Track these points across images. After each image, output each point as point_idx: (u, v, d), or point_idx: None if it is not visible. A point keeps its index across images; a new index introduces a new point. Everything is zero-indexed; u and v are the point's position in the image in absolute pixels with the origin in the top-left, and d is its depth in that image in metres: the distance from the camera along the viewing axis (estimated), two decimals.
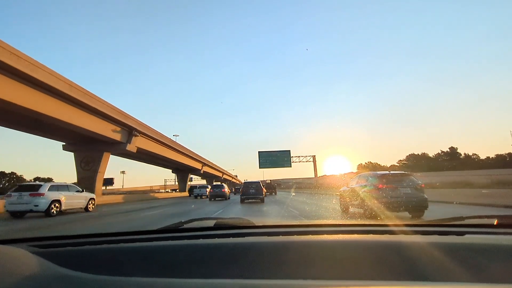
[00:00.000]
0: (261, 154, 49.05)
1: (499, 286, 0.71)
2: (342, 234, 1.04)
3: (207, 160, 58.45)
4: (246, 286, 0.73)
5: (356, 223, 1.25)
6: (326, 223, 1.24)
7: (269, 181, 41.48)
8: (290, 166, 49.00)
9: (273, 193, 33.11)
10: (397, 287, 0.72)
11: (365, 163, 65.48)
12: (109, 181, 78.04)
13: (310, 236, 1.02)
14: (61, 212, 11.69)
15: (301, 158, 50.00)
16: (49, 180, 29.85)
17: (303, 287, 0.72)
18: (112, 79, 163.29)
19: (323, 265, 0.83)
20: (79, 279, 0.74)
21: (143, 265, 0.87)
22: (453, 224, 1.15)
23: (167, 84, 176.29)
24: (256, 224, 1.23)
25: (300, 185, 60.87)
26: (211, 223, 1.26)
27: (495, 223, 1.10)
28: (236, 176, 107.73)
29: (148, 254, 0.92)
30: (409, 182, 7.13)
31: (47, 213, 10.83)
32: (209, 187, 27.15)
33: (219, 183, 33.92)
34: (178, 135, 64.44)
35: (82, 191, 13.51)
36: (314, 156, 50.06)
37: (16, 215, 10.94)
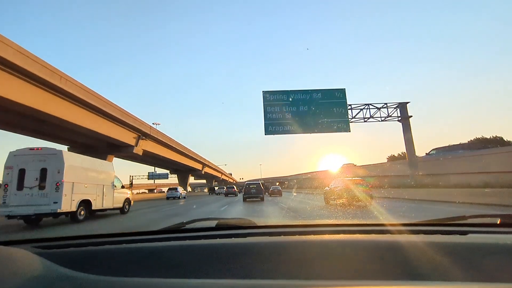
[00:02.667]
0: (267, 97, 18.92)
1: (502, 285, 0.72)
2: (343, 234, 1.04)
3: (158, 132, 29.51)
4: (248, 286, 0.74)
5: (357, 223, 1.23)
6: (327, 223, 1.23)
7: (263, 182, 37.43)
8: (348, 130, 18.73)
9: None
10: (400, 287, 0.72)
11: (398, 154, 44.66)
12: None
13: (312, 236, 1.03)
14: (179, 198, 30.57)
15: (371, 110, 19.86)
16: None
17: (305, 287, 0.73)
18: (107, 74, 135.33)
19: (324, 265, 0.82)
20: (82, 279, 0.75)
21: (145, 266, 0.87)
22: (455, 224, 1.14)
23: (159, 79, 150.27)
24: (258, 224, 1.23)
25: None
26: (212, 223, 1.25)
27: (498, 222, 1.09)
28: (231, 174, 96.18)
29: (150, 255, 0.92)
30: (363, 184, 12.85)
31: (179, 198, 31.43)
32: (225, 188, 41.27)
33: (204, 181, 57.50)
34: (159, 123, 47.78)
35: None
36: (406, 104, 19.86)
37: (169, 199, 30.86)
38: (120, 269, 0.85)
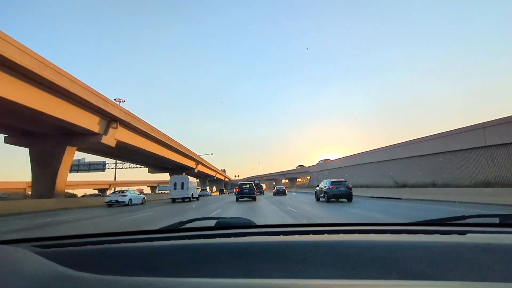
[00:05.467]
0: None
1: (501, 285, 0.72)
2: (342, 234, 1.05)
3: (135, 117, 23.17)
4: (247, 285, 0.74)
5: (357, 223, 1.24)
6: (327, 223, 1.24)
7: (258, 181, 42.67)
8: None
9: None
10: (399, 287, 0.72)
11: None
12: None
13: (311, 236, 1.04)
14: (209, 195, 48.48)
15: None
16: None
17: (304, 286, 0.73)
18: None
19: (324, 265, 0.83)
20: (81, 278, 0.75)
21: (144, 265, 0.88)
22: (455, 223, 1.15)
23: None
24: (257, 224, 1.24)
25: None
26: (211, 222, 1.25)
27: (497, 222, 1.12)
28: (224, 170, 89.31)
29: (149, 254, 0.93)
30: (344, 184, 16.19)
31: (209, 195, 48.19)
32: (234, 189, 39.32)
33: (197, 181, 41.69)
34: (124, 100, 41.73)
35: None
36: None
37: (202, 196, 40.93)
38: (119, 268, 0.86)
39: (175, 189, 24.77)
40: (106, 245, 0.99)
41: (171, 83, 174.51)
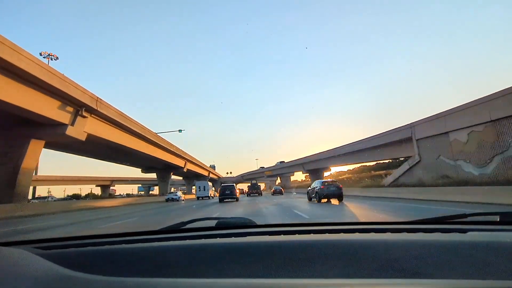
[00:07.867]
0: None
1: (502, 283, 0.72)
2: (343, 233, 1.06)
3: (110, 108, 18.72)
4: (248, 285, 0.74)
5: (357, 221, 1.27)
6: (327, 222, 1.25)
7: (255, 181, 43.92)
8: None
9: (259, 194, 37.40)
10: (400, 285, 0.72)
11: None
12: None
13: (312, 235, 1.06)
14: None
15: None
16: None
17: (306, 285, 0.74)
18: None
19: (324, 264, 0.83)
20: (82, 280, 0.75)
21: (145, 266, 0.88)
22: (455, 222, 1.17)
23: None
24: (258, 224, 1.25)
25: None
26: (212, 223, 1.26)
27: (497, 220, 1.13)
28: (214, 167, 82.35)
29: (150, 255, 0.94)
30: (335, 184, 15.94)
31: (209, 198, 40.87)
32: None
33: (181, 178, 46.33)
34: (57, 57, 35.47)
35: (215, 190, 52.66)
36: None
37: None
38: (120, 269, 0.86)
39: (199, 190, 37.76)
40: (107, 246, 1.00)
41: (169, 82, 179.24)
